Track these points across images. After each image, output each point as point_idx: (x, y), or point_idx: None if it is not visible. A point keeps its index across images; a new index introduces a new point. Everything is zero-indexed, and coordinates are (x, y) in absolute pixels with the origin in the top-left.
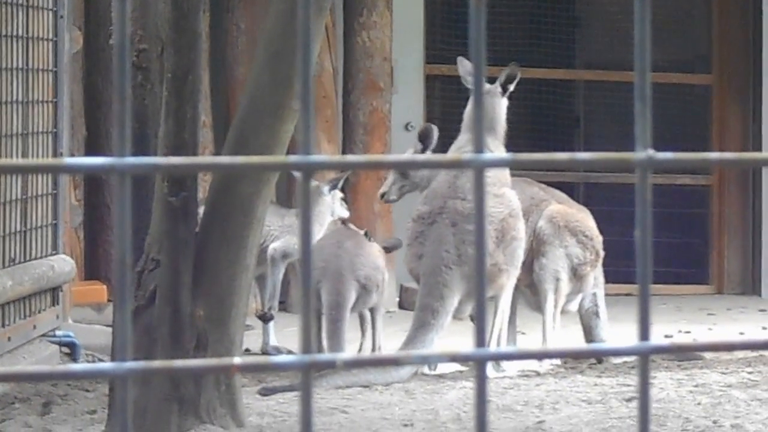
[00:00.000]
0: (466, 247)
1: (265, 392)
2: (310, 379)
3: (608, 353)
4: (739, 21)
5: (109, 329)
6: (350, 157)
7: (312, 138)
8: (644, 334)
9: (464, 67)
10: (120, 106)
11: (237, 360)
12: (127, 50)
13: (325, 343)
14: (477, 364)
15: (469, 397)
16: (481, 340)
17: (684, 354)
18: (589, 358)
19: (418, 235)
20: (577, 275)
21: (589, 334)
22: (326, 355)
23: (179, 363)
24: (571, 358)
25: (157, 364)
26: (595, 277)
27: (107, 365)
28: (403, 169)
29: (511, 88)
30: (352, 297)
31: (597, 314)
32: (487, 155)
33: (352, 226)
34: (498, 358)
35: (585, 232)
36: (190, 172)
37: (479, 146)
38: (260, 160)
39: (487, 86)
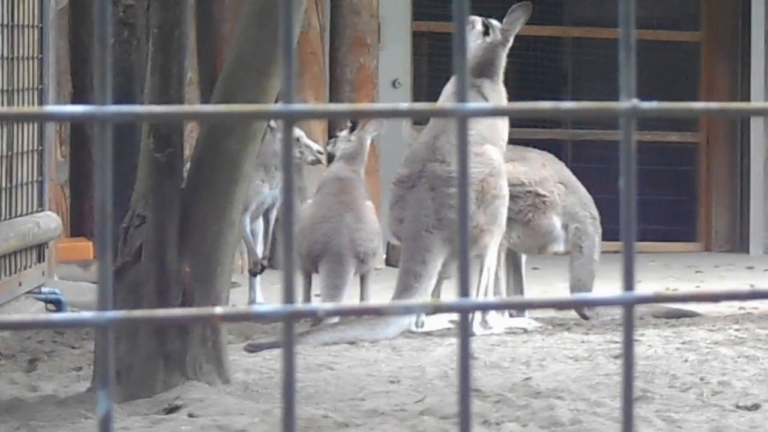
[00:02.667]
0: (445, 211)
1: (252, 349)
2: (292, 329)
3: (592, 303)
4: None
5: (95, 286)
6: (332, 106)
7: (293, 87)
8: (628, 284)
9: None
10: (101, 55)
11: (219, 310)
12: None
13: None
14: (460, 314)
15: (456, 354)
16: (464, 290)
17: (675, 311)
18: (573, 309)
19: (398, 198)
20: (523, 224)
21: (571, 272)
22: (308, 305)
23: (162, 312)
24: (556, 309)
25: (138, 313)
26: (574, 213)
27: (89, 315)
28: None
29: (516, 30)
30: (350, 275)
31: (580, 248)
32: (470, 105)
33: (344, 173)
34: (481, 308)
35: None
36: (178, 123)
37: (463, 96)
38: (242, 108)
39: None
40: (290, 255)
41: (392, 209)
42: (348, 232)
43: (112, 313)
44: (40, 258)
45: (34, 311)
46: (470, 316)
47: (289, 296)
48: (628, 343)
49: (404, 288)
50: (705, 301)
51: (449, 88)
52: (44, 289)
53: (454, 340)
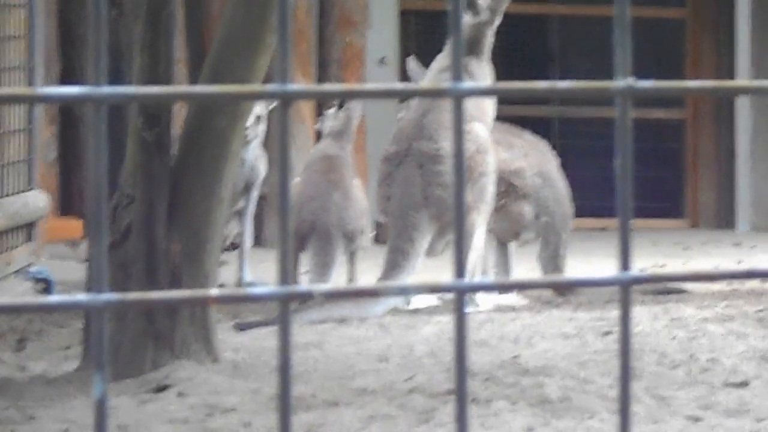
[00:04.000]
0: (433, 188)
1: (241, 327)
2: (288, 311)
3: (588, 284)
4: None
5: (84, 265)
6: (328, 86)
7: (289, 66)
8: (625, 264)
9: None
10: (96, 35)
11: (214, 291)
12: None
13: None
14: (456, 294)
15: (444, 331)
16: (459, 271)
17: (665, 287)
18: (568, 289)
19: (386, 176)
20: (496, 209)
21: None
22: (303, 286)
23: (156, 295)
24: (551, 289)
25: (133, 296)
26: (546, 206)
27: (83, 297)
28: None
29: (502, 8)
30: (339, 253)
31: (546, 242)
32: (466, 84)
33: (332, 150)
34: (477, 289)
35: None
36: (167, 102)
37: (458, 74)
38: (236, 89)
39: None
40: (285, 236)
41: (380, 186)
42: (336, 211)
43: (107, 296)
44: (29, 237)
45: (23, 290)
46: (466, 296)
47: (284, 278)
48: (625, 324)
49: (392, 266)
50: (702, 281)
51: (435, 65)
52: (33, 269)
53: (442, 318)
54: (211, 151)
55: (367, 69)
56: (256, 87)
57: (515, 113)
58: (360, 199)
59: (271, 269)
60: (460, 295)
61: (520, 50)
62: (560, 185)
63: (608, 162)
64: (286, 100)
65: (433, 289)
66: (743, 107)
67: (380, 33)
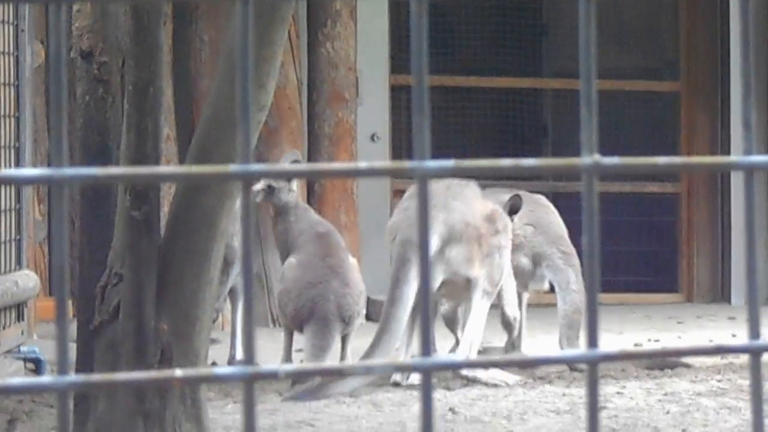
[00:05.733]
0: None
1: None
2: (252, 391)
3: (557, 361)
4: (707, 27)
5: (75, 344)
6: (289, 166)
7: (250, 147)
8: (592, 341)
9: None
10: (56, 117)
11: (178, 372)
12: (63, 61)
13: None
14: (422, 374)
15: (436, 408)
16: (426, 349)
17: (664, 362)
18: (537, 366)
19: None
20: None
21: (558, 310)
22: (268, 366)
23: (121, 376)
24: (519, 367)
25: (97, 377)
26: (542, 251)
27: (47, 379)
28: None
29: (516, 218)
30: (336, 338)
31: (557, 284)
32: (430, 163)
33: (322, 227)
34: (444, 367)
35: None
36: (131, 183)
37: (423, 153)
38: (200, 170)
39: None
40: (249, 316)
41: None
42: (335, 298)
43: (71, 378)
44: (19, 317)
45: (13, 371)
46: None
47: (249, 357)
48: (593, 401)
49: (383, 331)
50: (670, 356)
51: None
52: (23, 349)
53: (435, 395)
54: (199, 230)
55: (358, 145)
56: (218, 167)
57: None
58: (357, 283)
59: (263, 347)
60: (426, 375)
61: (513, 124)
62: (554, 229)
63: (605, 236)
64: (248, 180)
65: (399, 368)
66: (738, 180)
67: (371, 109)
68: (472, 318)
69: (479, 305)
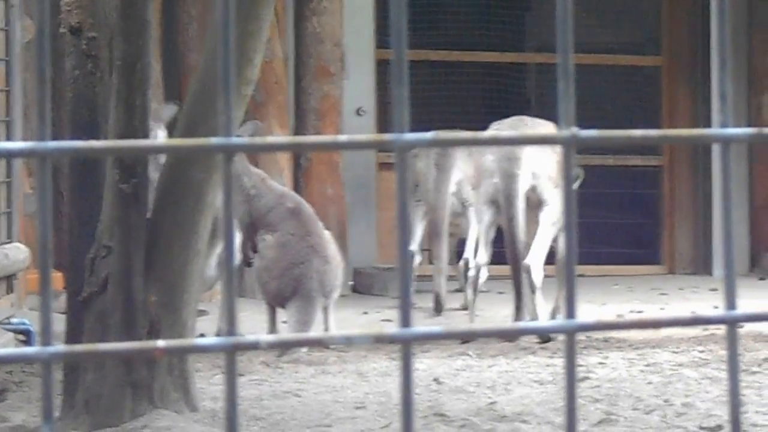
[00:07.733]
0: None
1: None
2: (234, 361)
3: (535, 332)
4: (688, 3)
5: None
6: (271, 139)
7: (232, 119)
8: (570, 312)
9: None
10: (40, 90)
11: (161, 342)
12: (47, 34)
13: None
14: (402, 345)
15: (420, 379)
16: (405, 320)
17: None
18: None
19: None
20: None
21: None
22: (249, 337)
23: (105, 346)
24: (499, 338)
25: (81, 347)
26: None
27: (32, 349)
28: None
29: None
30: (318, 311)
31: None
32: (410, 135)
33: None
34: (422, 338)
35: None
36: (115, 156)
37: (402, 126)
38: (181, 142)
39: None
40: (231, 289)
41: None
42: (317, 276)
43: (54, 348)
44: (10, 289)
45: (3, 342)
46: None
47: (231, 328)
48: (570, 370)
49: None
50: (647, 328)
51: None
52: (14, 320)
53: (419, 365)
54: (187, 203)
55: (344, 119)
56: (199, 140)
57: None
58: (336, 258)
59: (251, 319)
60: (405, 345)
61: (497, 98)
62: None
63: (591, 208)
64: (230, 153)
65: (378, 338)
66: (718, 153)
67: (357, 83)
68: (539, 238)
69: (546, 230)
